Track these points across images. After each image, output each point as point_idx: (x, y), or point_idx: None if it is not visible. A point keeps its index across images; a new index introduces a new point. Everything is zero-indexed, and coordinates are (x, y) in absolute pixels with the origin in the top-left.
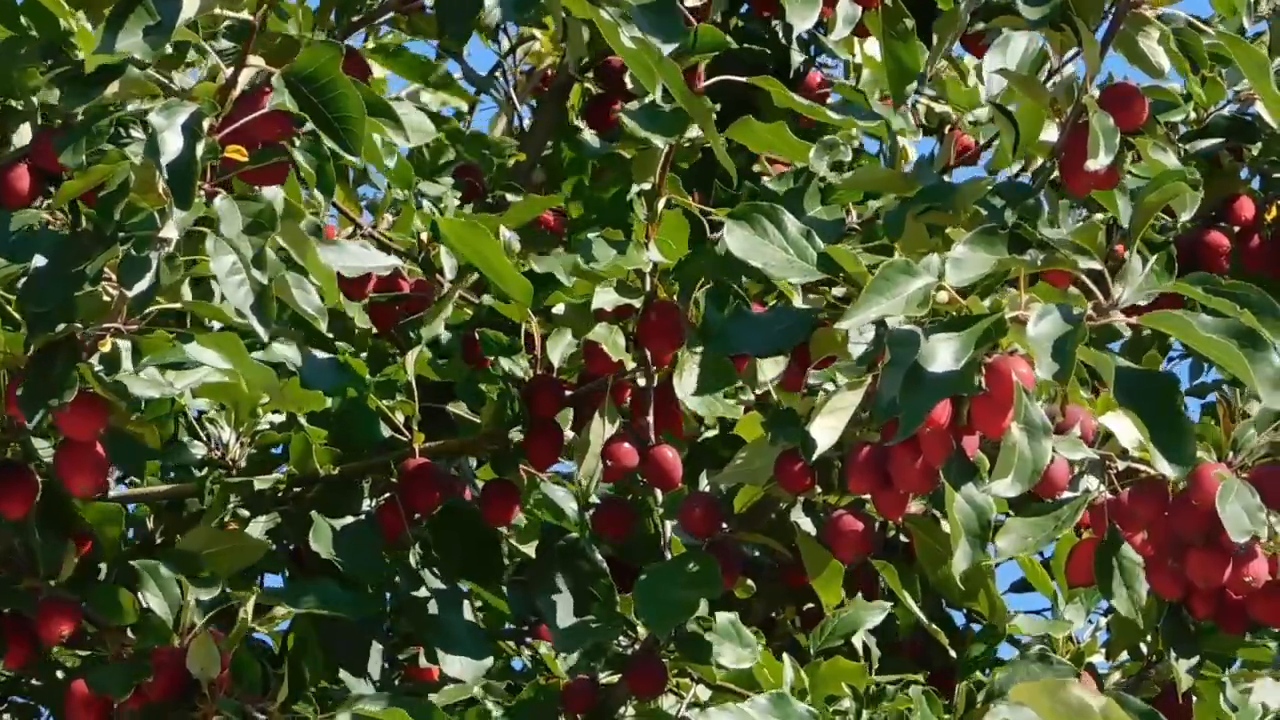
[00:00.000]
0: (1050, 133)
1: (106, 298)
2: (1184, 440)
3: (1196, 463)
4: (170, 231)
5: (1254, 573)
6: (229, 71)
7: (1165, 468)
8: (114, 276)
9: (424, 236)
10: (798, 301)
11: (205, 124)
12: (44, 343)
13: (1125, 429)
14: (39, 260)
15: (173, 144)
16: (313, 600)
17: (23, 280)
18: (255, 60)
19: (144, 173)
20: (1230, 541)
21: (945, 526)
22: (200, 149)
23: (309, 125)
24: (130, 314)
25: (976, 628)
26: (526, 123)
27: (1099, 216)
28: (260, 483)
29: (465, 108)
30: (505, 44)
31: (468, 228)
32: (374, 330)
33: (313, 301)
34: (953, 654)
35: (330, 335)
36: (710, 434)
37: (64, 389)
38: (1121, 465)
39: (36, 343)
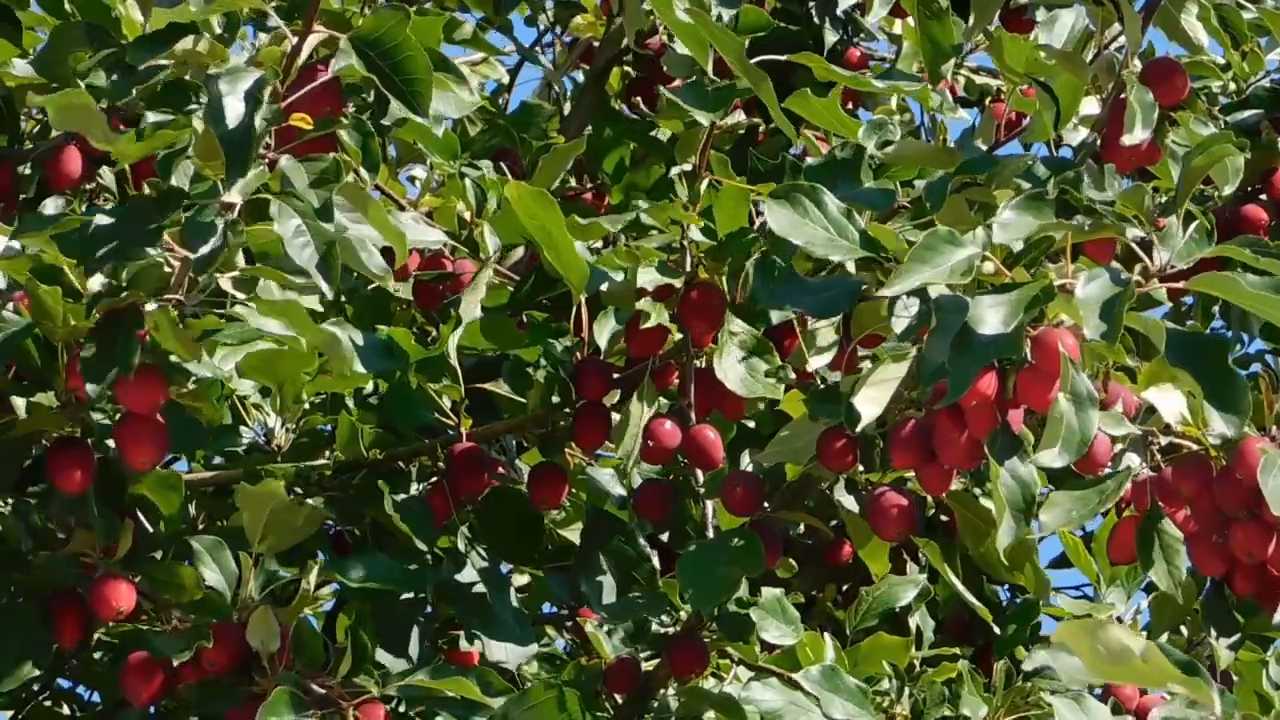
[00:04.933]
0: (1091, 108)
1: (168, 269)
2: (1238, 396)
3: (1238, 437)
4: (234, 196)
5: None
6: (294, 39)
7: (1220, 424)
8: (175, 246)
9: (467, 215)
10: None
11: (268, 91)
12: (106, 310)
13: (1168, 403)
14: (101, 220)
15: (234, 109)
16: (366, 574)
17: (86, 237)
18: (319, 29)
19: (207, 139)
20: (1273, 516)
21: (985, 502)
22: (260, 116)
23: (351, 106)
24: (192, 284)
25: (1018, 601)
26: (568, 93)
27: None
28: (306, 468)
29: (503, 73)
30: (544, 21)
31: (536, 197)
32: (416, 308)
33: (377, 262)
34: (996, 630)
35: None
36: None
37: (128, 356)
38: (1164, 441)
39: (99, 309)
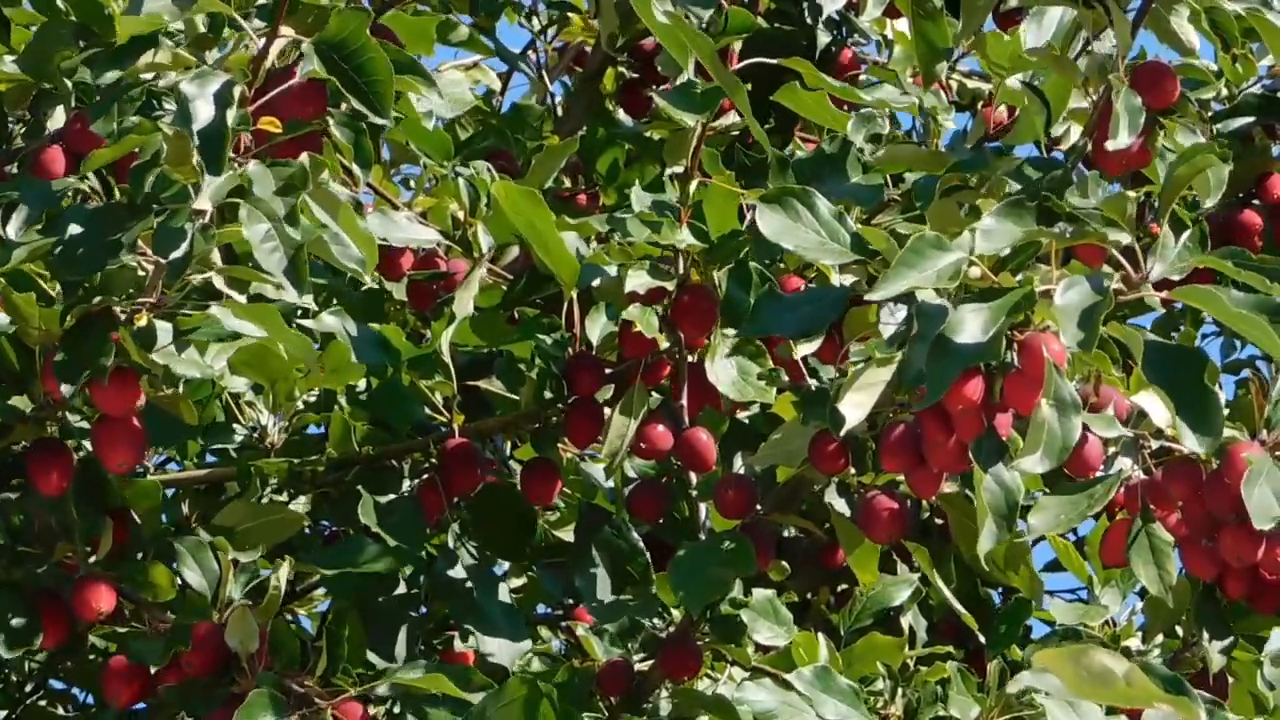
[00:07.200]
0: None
1: (141, 272)
2: (1211, 415)
3: (1229, 441)
4: (204, 203)
5: None
6: (261, 42)
7: (1192, 442)
8: (148, 250)
9: (461, 215)
10: (835, 279)
11: (237, 92)
12: (80, 315)
13: (1158, 408)
14: (74, 229)
15: (204, 112)
16: (348, 559)
17: (57, 249)
18: (286, 31)
19: (177, 144)
20: None
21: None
22: (231, 116)
23: (344, 105)
24: (165, 286)
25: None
26: (558, 99)
27: (1132, 194)
28: (298, 465)
29: (494, 78)
30: (537, 24)
31: (524, 195)
32: (410, 309)
33: (353, 255)
34: (982, 639)
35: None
36: (750, 413)
37: (101, 359)
38: (1155, 445)
39: (73, 315)
